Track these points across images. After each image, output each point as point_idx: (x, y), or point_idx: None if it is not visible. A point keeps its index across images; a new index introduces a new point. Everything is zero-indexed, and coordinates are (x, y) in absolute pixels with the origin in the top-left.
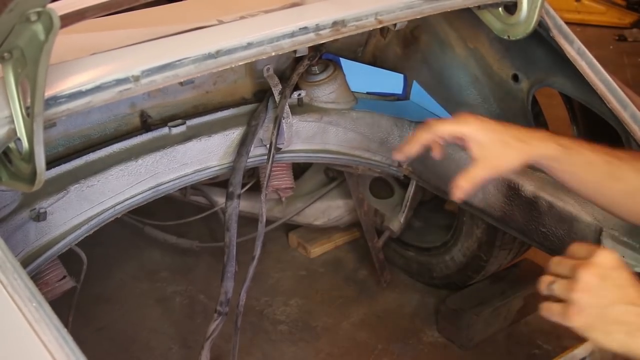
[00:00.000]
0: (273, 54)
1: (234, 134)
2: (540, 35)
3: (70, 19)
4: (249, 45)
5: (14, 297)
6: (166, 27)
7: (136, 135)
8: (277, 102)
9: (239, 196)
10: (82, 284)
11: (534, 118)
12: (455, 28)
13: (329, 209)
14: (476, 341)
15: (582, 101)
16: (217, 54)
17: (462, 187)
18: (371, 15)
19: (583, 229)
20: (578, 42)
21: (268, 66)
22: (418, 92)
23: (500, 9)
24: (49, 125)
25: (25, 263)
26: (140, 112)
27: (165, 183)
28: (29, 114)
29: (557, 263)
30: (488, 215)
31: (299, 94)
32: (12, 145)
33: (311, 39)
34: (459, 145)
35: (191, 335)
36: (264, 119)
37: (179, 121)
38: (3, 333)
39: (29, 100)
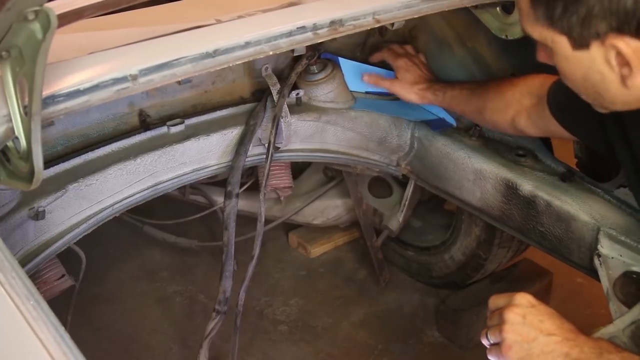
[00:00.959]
0: (271, 53)
1: (233, 133)
2: None
3: (67, 18)
4: (247, 44)
5: (12, 295)
6: (164, 27)
7: (135, 135)
8: (276, 101)
9: (237, 195)
10: (80, 283)
11: None
12: (453, 27)
13: (328, 208)
14: (476, 341)
15: None
16: (215, 53)
17: (366, 79)
18: (369, 14)
19: (580, 227)
20: None
21: (266, 65)
22: None
23: (498, 8)
24: (47, 124)
25: (23, 262)
26: (139, 111)
27: (163, 182)
28: (26, 112)
29: (488, 318)
30: (486, 215)
31: (298, 93)
32: (10, 144)
33: (309, 38)
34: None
35: (191, 335)
36: (263, 118)
37: (178, 120)
38: (0, 331)
39: (26, 99)
